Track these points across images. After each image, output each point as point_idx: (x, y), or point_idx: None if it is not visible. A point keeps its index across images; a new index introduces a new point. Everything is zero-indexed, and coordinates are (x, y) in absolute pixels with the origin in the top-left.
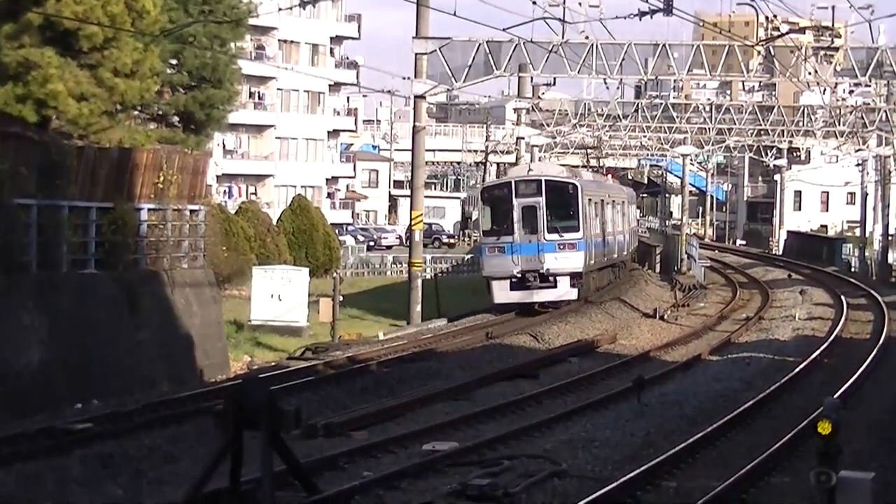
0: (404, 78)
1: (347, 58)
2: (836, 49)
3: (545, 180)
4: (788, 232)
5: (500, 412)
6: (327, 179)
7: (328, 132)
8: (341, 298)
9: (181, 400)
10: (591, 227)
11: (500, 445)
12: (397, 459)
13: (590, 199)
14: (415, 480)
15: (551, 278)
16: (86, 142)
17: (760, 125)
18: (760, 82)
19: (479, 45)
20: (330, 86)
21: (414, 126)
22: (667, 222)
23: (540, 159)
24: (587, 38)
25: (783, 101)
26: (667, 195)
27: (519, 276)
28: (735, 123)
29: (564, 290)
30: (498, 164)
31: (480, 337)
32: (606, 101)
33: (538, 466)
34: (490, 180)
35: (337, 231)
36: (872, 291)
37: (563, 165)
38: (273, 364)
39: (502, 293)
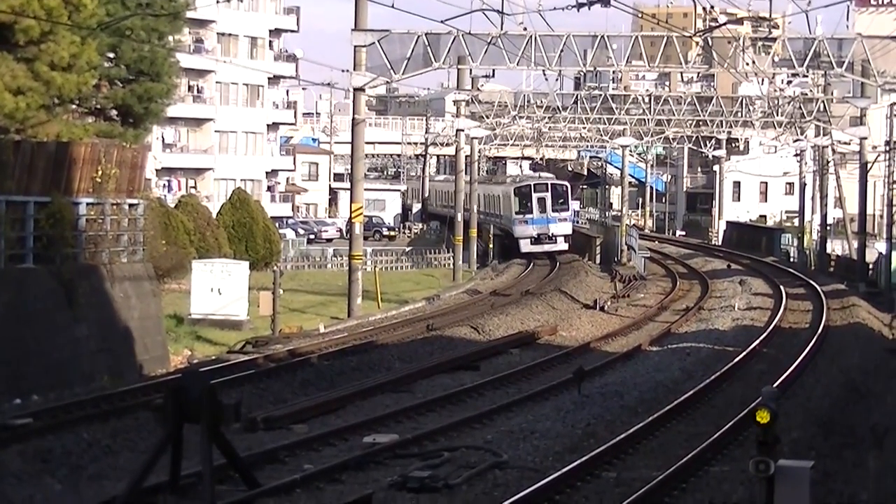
0: (343, 70)
1: (286, 51)
2: (774, 40)
3: (550, 183)
4: (728, 222)
5: (440, 404)
6: (267, 173)
7: (268, 125)
8: (281, 292)
9: (120, 394)
10: (572, 208)
11: (440, 437)
12: (338, 452)
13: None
14: (355, 473)
15: (554, 238)
16: (23, 136)
17: (699, 116)
18: (699, 73)
19: (418, 37)
20: (269, 79)
21: (353, 119)
22: (607, 213)
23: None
24: (526, 29)
25: (722, 91)
26: (607, 186)
27: (536, 236)
28: (674, 114)
29: (561, 245)
30: (438, 156)
31: (420, 329)
32: (546, 93)
33: (479, 458)
34: (518, 183)
35: (277, 224)
36: (811, 281)
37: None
38: (213, 358)
39: (526, 246)
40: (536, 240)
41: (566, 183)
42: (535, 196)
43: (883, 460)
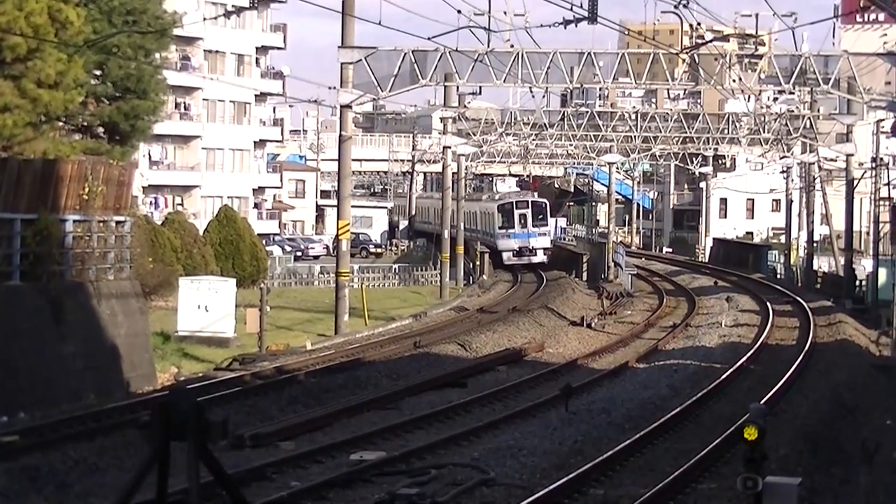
0: (330, 88)
1: (273, 68)
2: (760, 57)
3: (531, 200)
4: (714, 239)
5: (427, 421)
6: (254, 190)
7: (254, 142)
8: (268, 309)
9: (107, 412)
10: (551, 224)
11: (427, 455)
12: (325, 469)
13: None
14: (342, 490)
15: (535, 251)
16: (10, 153)
17: (686, 133)
18: (685, 90)
19: (405, 54)
20: (256, 96)
21: (340, 136)
22: (593, 230)
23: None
24: (512, 46)
25: (708, 108)
26: (593, 203)
27: (517, 249)
28: (661, 131)
29: (541, 257)
30: (425, 173)
31: (408, 346)
32: (532, 110)
33: (466, 475)
34: (501, 200)
35: (264, 241)
36: (798, 298)
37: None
38: (200, 375)
39: (509, 259)
40: (518, 253)
41: (545, 200)
42: (516, 212)
43: (873, 476)
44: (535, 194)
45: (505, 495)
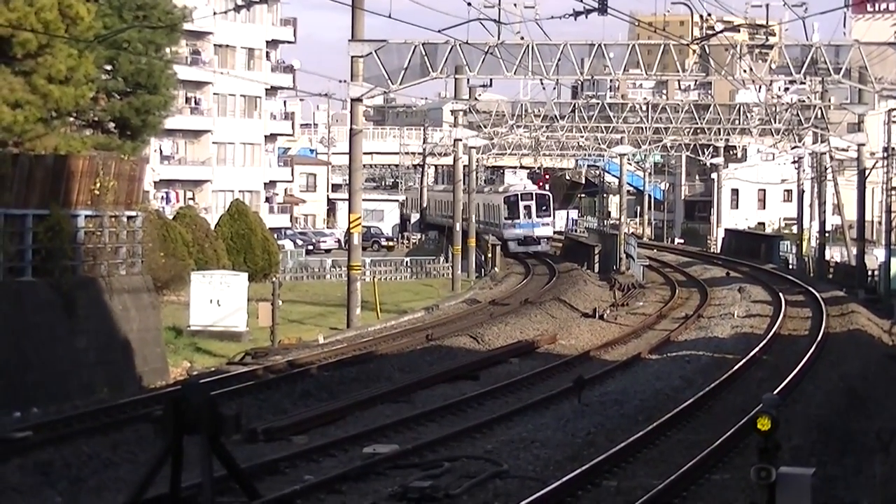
0: (341, 81)
1: (283, 61)
2: (771, 47)
3: (535, 192)
4: (726, 230)
5: (440, 414)
6: (265, 184)
7: (265, 136)
8: (280, 303)
9: (120, 406)
10: (559, 215)
11: (440, 447)
12: (338, 463)
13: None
14: (356, 483)
15: (538, 240)
16: (21, 149)
17: (697, 124)
18: (696, 81)
19: (415, 47)
20: (266, 90)
21: (351, 129)
22: (605, 222)
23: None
24: (523, 38)
25: (719, 99)
26: (605, 195)
27: (522, 238)
28: (671, 122)
29: (544, 246)
30: (436, 166)
31: (420, 339)
32: (543, 102)
33: (479, 467)
34: (506, 192)
35: (275, 235)
36: (810, 288)
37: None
38: (213, 369)
39: (514, 247)
40: (522, 241)
41: (548, 193)
42: (521, 204)
43: (889, 465)
44: (547, 186)
45: (518, 487)
